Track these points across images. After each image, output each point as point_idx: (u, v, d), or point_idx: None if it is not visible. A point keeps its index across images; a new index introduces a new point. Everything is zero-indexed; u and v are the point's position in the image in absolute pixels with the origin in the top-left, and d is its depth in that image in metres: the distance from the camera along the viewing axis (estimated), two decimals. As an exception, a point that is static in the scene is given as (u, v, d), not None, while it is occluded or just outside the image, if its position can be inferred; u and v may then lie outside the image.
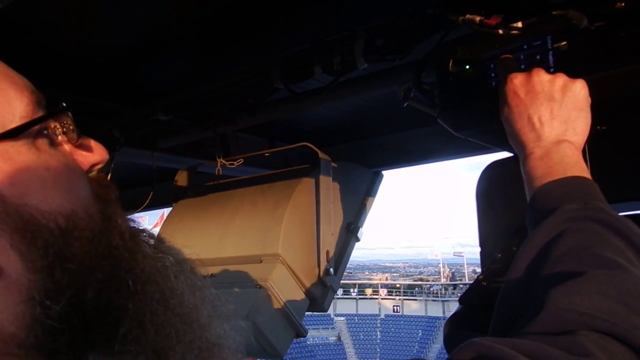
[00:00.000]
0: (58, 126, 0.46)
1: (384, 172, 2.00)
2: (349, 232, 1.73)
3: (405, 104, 1.22)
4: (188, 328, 0.48)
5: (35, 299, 0.40)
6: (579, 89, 0.78)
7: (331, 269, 1.57)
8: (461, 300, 0.94)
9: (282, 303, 1.43)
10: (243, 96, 1.45)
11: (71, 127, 0.47)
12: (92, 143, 0.50)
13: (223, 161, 1.82)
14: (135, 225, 0.49)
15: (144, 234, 0.49)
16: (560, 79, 0.79)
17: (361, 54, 1.22)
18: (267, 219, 1.56)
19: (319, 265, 1.56)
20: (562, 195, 0.68)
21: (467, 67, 0.99)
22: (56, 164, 0.45)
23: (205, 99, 1.53)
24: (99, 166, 0.50)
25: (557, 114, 0.77)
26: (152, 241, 0.50)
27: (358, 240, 1.76)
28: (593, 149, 0.88)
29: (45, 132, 0.45)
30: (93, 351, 0.45)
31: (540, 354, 0.44)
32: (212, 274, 1.55)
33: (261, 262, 1.51)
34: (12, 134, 0.41)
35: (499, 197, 1.16)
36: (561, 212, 0.65)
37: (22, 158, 0.42)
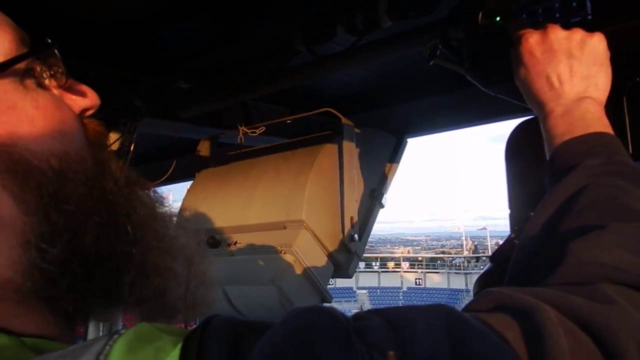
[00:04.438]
0: (45, 69, 0.45)
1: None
2: (373, 199, 1.71)
3: (431, 63, 1.18)
4: (185, 268, 0.48)
5: (31, 242, 0.39)
6: (598, 43, 0.74)
7: (355, 235, 1.56)
8: (492, 258, 0.91)
9: (307, 268, 1.42)
10: (264, 61, 1.42)
11: (60, 70, 0.45)
12: (84, 87, 0.49)
13: (245, 130, 1.80)
14: (130, 172, 0.48)
15: (140, 182, 0.48)
16: (578, 34, 0.75)
17: (385, 11, 1.18)
18: (291, 185, 1.55)
19: (343, 232, 1.55)
20: (584, 151, 0.65)
21: (498, 18, 0.95)
22: (46, 103, 0.43)
23: (226, 66, 1.51)
24: (91, 111, 0.49)
25: (577, 71, 0.73)
26: (147, 188, 0.49)
27: (382, 206, 1.74)
28: (632, 101, 0.84)
29: (31, 72, 0.43)
30: (96, 299, 0.44)
31: (561, 301, 0.42)
32: (236, 242, 1.55)
33: (285, 228, 1.50)
34: None
35: (529, 157, 1.12)
36: (582, 167, 0.62)
37: (8, 96, 0.41)
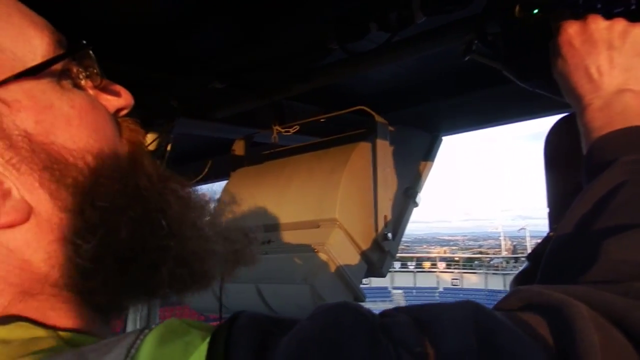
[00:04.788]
0: (81, 70, 0.46)
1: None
2: (407, 197, 1.70)
3: (466, 58, 1.16)
4: (225, 247, 0.51)
5: (66, 238, 0.40)
6: None
7: (389, 234, 1.54)
8: (529, 257, 0.89)
9: (340, 267, 1.42)
10: (297, 60, 1.42)
11: (95, 71, 0.46)
12: (118, 87, 0.50)
13: (279, 129, 1.81)
14: (164, 169, 0.49)
15: (173, 177, 0.49)
16: (620, 24, 0.72)
17: (419, 6, 1.16)
18: (324, 184, 1.55)
19: (376, 230, 1.54)
20: (622, 146, 0.62)
21: (535, 11, 0.92)
22: (81, 102, 0.44)
23: (259, 65, 1.52)
24: (125, 111, 0.50)
25: (618, 62, 0.70)
26: (181, 183, 0.49)
27: (416, 205, 1.72)
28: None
29: (67, 73, 0.44)
30: (132, 292, 0.45)
31: (593, 297, 0.41)
32: (270, 240, 1.56)
33: (318, 227, 1.50)
34: (34, 72, 0.41)
35: (568, 154, 1.09)
36: (620, 163, 0.59)
37: (46, 96, 0.41)
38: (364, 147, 1.59)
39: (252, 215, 1.67)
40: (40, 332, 0.38)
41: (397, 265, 40.59)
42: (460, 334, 0.34)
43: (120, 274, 0.44)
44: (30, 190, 0.39)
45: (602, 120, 0.68)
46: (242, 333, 0.34)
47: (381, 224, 1.54)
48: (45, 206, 0.40)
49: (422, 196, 1.72)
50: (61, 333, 0.39)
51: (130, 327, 1.73)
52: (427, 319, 0.36)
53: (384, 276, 1.56)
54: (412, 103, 2.06)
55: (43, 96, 0.42)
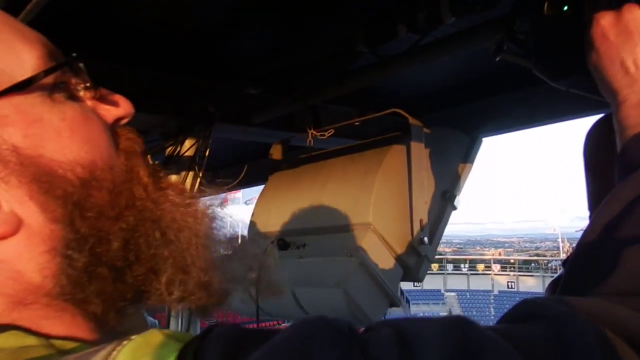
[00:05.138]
0: (79, 81, 0.46)
1: (485, 139, 1.89)
2: (445, 200, 1.66)
3: (497, 58, 1.13)
4: (223, 261, 0.50)
5: (57, 249, 0.41)
6: None
7: (425, 238, 1.52)
8: (564, 263, 0.85)
9: (374, 272, 1.41)
10: (328, 64, 1.42)
11: (87, 83, 0.47)
12: (117, 97, 0.50)
13: (314, 132, 1.82)
14: (161, 178, 0.49)
15: (172, 185, 0.49)
16: None
17: (447, 7, 1.14)
18: (358, 187, 1.54)
19: (412, 234, 1.51)
20: None
21: (565, 7, 0.88)
22: (73, 114, 0.44)
23: (292, 70, 1.53)
24: (125, 120, 0.50)
25: None
26: (181, 191, 0.49)
27: (455, 208, 1.68)
28: None
29: (62, 85, 0.45)
30: (128, 300, 0.46)
31: (606, 313, 0.38)
32: (304, 244, 1.56)
33: (352, 230, 1.49)
34: (22, 86, 0.41)
35: (608, 156, 1.03)
36: None
37: (35, 110, 0.42)
38: (399, 149, 1.57)
39: (288, 218, 1.68)
40: (32, 340, 0.39)
41: (449, 267, 39.83)
42: (443, 350, 0.33)
43: (114, 282, 0.44)
44: (20, 203, 0.40)
45: (638, 117, 0.64)
46: (212, 346, 0.34)
47: (417, 228, 1.52)
48: (35, 218, 0.41)
49: (461, 199, 1.68)
50: (54, 341, 0.40)
51: (172, 328, 1.78)
52: (410, 333, 0.35)
53: (420, 281, 1.53)
54: (450, 104, 2.02)
55: (32, 110, 0.42)
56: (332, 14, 1.43)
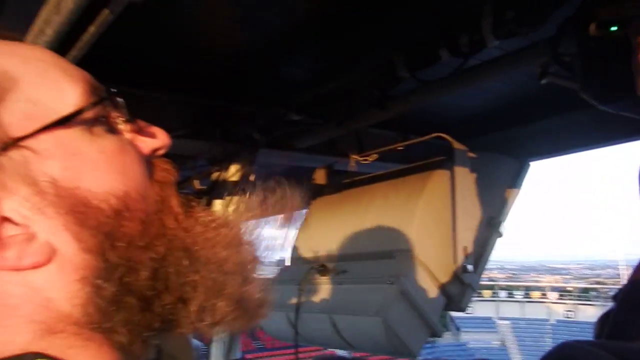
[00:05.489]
0: (119, 114, 0.47)
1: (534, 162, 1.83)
2: (490, 227, 1.61)
3: (543, 81, 1.09)
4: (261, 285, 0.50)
5: (88, 279, 0.41)
6: None
7: (469, 266, 1.47)
8: (615, 297, 0.80)
9: (415, 300, 1.37)
10: (369, 89, 1.42)
11: (125, 117, 0.48)
12: (155, 129, 0.51)
13: (357, 158, 1.81)
14: (194, 207, 0.49)
15: (205, 213, 0.49)
16: None
17: (490, 30, 1.12)
18: (399, 213, 1.51)
19: (455, 262, 1.47)
20: None
21: (613, 28, 0.85)
22: (110, 147, 0.45)
23: (334, 96, 1.54)
24: (162, 151, 0.51)
25: None
26: (213, 218, 0.49)
27: (500, 235, 1.63)
28: None
29: (102, 119, 0.46)
30: (155, 329, 0.46)
31: None
32: (344, 270, 1.54)
33: (394, 257, 1.46)
34: (63, 122, 0.43)
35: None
36: None
37: (75, 144, 0.43)
38: (442, 175, 1.54)
39: (329, 244, 1.67)
40: None
41: (502, 294, 38.47)
42: None
43: (141, 311, 0.44)
44: (55, 233, 0.41)
45: None
46: None
47: (461, 256, 1.47)
48: (69, 248, 0.42)
49: (508, 225, 1.63)
50: None
51: (213, 354, 1.79)
52: None
53: (463, 310, 1.48)
54: (498, 127, 1.97)
55: (72, 143, 0.44)
56: (373, 39, 1.43)
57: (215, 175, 1.92)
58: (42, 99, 0.43)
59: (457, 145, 1.53)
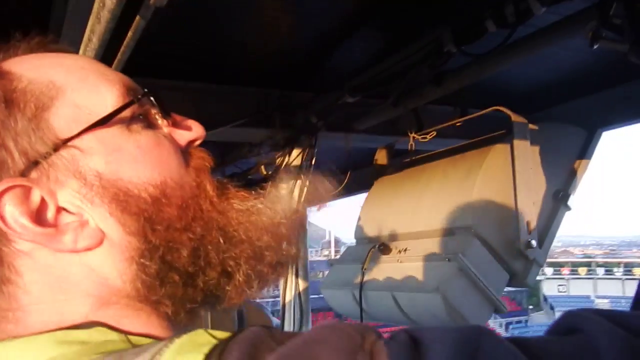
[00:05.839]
0: (157, 112, 0.53)
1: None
2: (557, 201, 1.56)
3: (595, 46, 1.04)
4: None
5: (133, 258, 0.47)
6: None
7: (533, 241, 1.43)
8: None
9: (475, 276, 1.36)
10: (419, 68, 1.42)
11: (160, 114, 0.53)
12: (190, 122, 0.56)
13: (415, 136, 1.81)
14: (229, 190, 0.54)
15: (239, 195, 0.53)
16: None
17: (535, -3, 1.08)
18: (458, 190, 1.50)
19: (518, 238, 1.44)
20: None
21: None
22: (147, 142, 0.50)
23: (386, 77, 1.54)
24: (198, 141, 0.55)
25: None
26: (246, 199, 0.53)
27: (569, 209, 1.57)
28: None
29: (141, 117, 0.52)
30: (202, 302, 0.51)
31: None
32: (406, 248, 1.56)
33: (453, 234, 1.46)
34: (103, 121, 0.48)
35: None
36: None
37: (115, 140, 0.49)
38: (501, 149, 1.50)
39: (390, 223, 1.69)
40: (113, 336, 0.46)
41: (600, 271, 36.31)
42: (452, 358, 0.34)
43: (184, 286, 0.50)
44: (103, 220, 0.47)
45: None
46: (236, 346, 0.37)
47: (524, 231, 1.44)
48: (115, 232, 0.48)
49: (575, 198, 1.56)
50: (131, 337, 0.46)
51: (286, 327, 1.88)
52: (424, 340, 0.36)
53: (528, 286, 1.45)
54: (565, 97, 1.89)
55: (112, 140, 0.49)
56: (422, 16, 1.42)
57: (279, 160, 1.99)
58: (84, 103, 0.49)
59: (515, 117, 1.48)
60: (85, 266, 0.47)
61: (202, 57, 1.71)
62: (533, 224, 1.45)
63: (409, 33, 1.51)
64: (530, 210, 1.46)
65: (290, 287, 1.90)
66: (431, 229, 1.54)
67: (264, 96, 1.91)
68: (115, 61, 0.96)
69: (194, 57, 1.70)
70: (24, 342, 0.44)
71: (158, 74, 1.71)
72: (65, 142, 0.47)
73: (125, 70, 1.56)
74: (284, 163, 1.97)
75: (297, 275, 1.91)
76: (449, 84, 1.66)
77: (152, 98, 0.54)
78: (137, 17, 0.78)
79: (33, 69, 0.50)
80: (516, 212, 1.46)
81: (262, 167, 2.17)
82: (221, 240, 0.50)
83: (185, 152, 0.56)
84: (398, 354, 0.35)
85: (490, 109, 1.56)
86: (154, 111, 0.54)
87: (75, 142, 0.47)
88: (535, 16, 1.11)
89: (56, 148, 0.47)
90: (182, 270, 0.49)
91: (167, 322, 0.51)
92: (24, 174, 0.45)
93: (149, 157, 0.50)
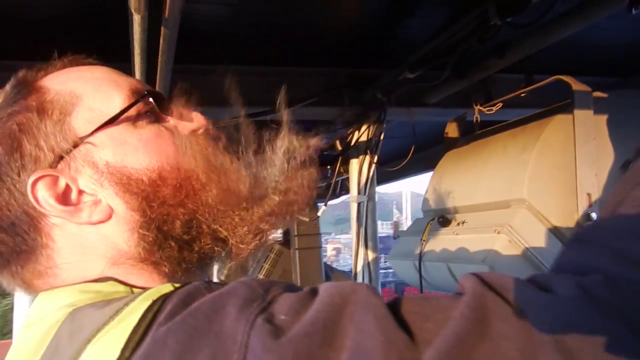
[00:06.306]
0: (163, 108, 0.65)
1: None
2: (626, 171, 1.48)
3: (634, 12, 0.99)
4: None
5: (135, 229, 0.60)
6: None
7: (593, 214, 1.39)
8: None
9: (527, 250, 1.37)
10: (468, 41, 1.42)
11: (160, 109, 0.65)
12: (193, 114, 0.67)
13: (481, 108, 1.80)
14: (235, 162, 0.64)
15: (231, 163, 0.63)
16: None
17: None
18: (515, 163, 1.50)
19: (578, 210, 1.41)
20: None
21: None
22: (148, 135, 0.62)
23: (440, 51, 1.56)
24: (201, 130, 0.67)
25: None
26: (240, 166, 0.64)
27: (639, 180, 1.49)
28: None
29: (148, 113, 0.64)
30: (194, 261, 0.63)
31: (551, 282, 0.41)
32: (464, 221, 1.59)
33: (507, 207, 1.47)
34: (112, 121, 0.61)
35: None
36: None
37: (121, 135, 0.61)
38: (562, 120, 1.46)
39: (452, 195, 1.72)
40: (121, 288, 0.60)
41: None
42: (323, 313, 0.43)
43: (180, 250, 0.63)
44: (111, 199, 0.61)
45: None
46: (176, 295, 0.49)
47: (584, 203, 1.41)
48: (120, 208, 0.61)
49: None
50: (135, 290, 0.60)
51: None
52: (321, 289, 0.45)
53: (586, 260, 1.42)
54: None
55: (119, 136, 0.62)
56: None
57: (349, 136, 2.08)
58: (97, 107, 0.63)
59: (577, 86, 1.43)
60: (100, 234, 0.61)
61: (274, 43, 1.83)
62: (594, 197, 1.41)
63: (466, 7, 1.50)
64: (591, 182, 1.42)
65: (360, 259, 2.00)
66: (489, 202, 1.55)
67: (333, 75, 2.00)
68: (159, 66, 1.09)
69: (267, 43, 1.83)
70: (58, 292, 0.60)
71: (235, 60, 1.86)
72: (82, 139, 0.61)
73: (207, 59, 1.72)
74: (355, 139, 2.06)
75: (366, 247, 2.01)
76: (512, 55, 1.63)
77: (150, 99, 0.66)
78: (165, 30, 0.91)
79: (60, 82, 0.64)
80: (576, 184, 1.42)
81: (338, 142, 2.28)
82: (209, 214, 0.62)
83: (189, 139, 0.67)
84: (292, 302, 0.45)
85: (552, 78, 1.52)
86: (160, 107, 0.66)
87: (90, 139, 0.61)
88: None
89: (76, 145, 0.61)
90: (178, 238, 0.62)
91: (166, 279, 0.64)
92: (52, 166, 0.60)
93: (149, 148, 0.63)
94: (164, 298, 0.49)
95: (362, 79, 1.97)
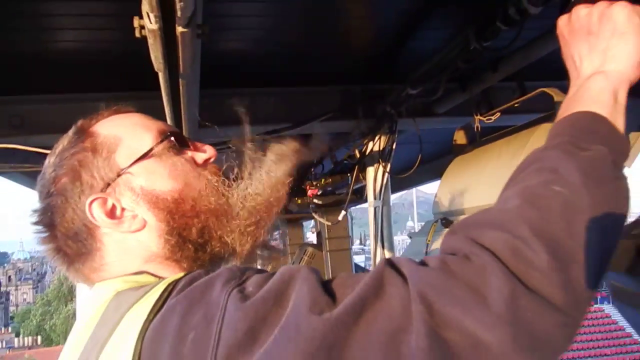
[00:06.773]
0: (183, 144, 0.85)
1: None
2: (610, 173, 1.61)
3: None
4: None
5: (162, 236, 0.80)
6: (617, 13, 0.70)
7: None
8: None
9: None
10: (454, 62, 1.59)
11: (181, 145, 0.86)
12: (205, 147, 0.88)
13: (481, 117, 1.95)
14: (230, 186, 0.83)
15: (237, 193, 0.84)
16: (598, 8, 0.72)
17: None
18: (507, 168, 1.64)
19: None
20: (552, 135, 0.70)
21: None
22: (171, 164, 0.81)
23: (435, 71, 1.73)
24: (212, 159, 0.86)
25: (595, 46, 0.72)
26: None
27: (623, 181, 1.61)
28: None
29: (173, 148, 0.84)
30: (209, 261, 0.84)
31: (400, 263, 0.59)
32: (463, 222, 1.75)
33: (498, 209, 1.62)
34: (143, 156, 0.81)
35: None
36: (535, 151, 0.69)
37: (152, 166, 0.81)
38: (548, 128, 1.60)
39: (455, 199, 1.89)
40: (152, 279, 0.80)
41: None
42: (267, 289, 0.63)
43: (196, 251, 0.84)
44: (145, 213, 0.81)
45: (563, 108, 0.74)
46: (183, 279, 0.70)
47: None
48: (152, 220, 0.81)
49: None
50: (162, 280, 0.82)
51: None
52: (277, 273, 0.66)
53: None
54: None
55: (150, 167, 0.83)
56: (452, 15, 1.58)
57: (364, 147, 2.28)
58: (134, 145, 0.84)
59: (558, 97, 1.57)
60: (137, 240, 0.82)
61: (293, 66, 2.04)
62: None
63: (456, 33, 1.68)
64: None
65: (377, 257, 2.19)
66: (487, 204, 1.70)
67: (348, 92, 2.20)
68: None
69: (285, 67, 2.05)
70: (108, 282, 0.82)
71: (258, 84, 2.09)
72: (123, 170, 0.82)
73: (236, 83, 1.94)
74: (369, 149, 2.25)
75: (383, 247, 2.19)
76: (505, 68, 1.79)
77: (172, 138, 0.87)
78: (183, 64, 1.12)
79: (107, 128, 0.85)
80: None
81: (357, 151, 2.48)
82: (216, 224, 0.83)
83: (203, 166, 0.89)
84: (258, 279, 0.65)
85: (537, 91, 1.66)
86: (181, 144, 0.88)
87: (129, 169, 0.82)
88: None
89: (119, 175, 0.82)
90: (194, 242, 0.82)
91: (185, 272, 0.85)
92: (102, 190, 0.82)
93: (173, 175, 0.83)
94: (176, 281, 0.70)
95: (373, 94, 2.16)
